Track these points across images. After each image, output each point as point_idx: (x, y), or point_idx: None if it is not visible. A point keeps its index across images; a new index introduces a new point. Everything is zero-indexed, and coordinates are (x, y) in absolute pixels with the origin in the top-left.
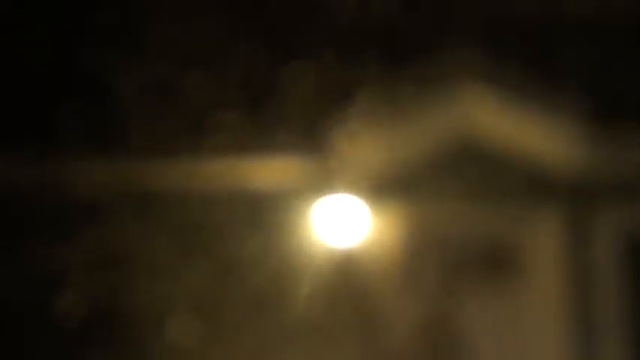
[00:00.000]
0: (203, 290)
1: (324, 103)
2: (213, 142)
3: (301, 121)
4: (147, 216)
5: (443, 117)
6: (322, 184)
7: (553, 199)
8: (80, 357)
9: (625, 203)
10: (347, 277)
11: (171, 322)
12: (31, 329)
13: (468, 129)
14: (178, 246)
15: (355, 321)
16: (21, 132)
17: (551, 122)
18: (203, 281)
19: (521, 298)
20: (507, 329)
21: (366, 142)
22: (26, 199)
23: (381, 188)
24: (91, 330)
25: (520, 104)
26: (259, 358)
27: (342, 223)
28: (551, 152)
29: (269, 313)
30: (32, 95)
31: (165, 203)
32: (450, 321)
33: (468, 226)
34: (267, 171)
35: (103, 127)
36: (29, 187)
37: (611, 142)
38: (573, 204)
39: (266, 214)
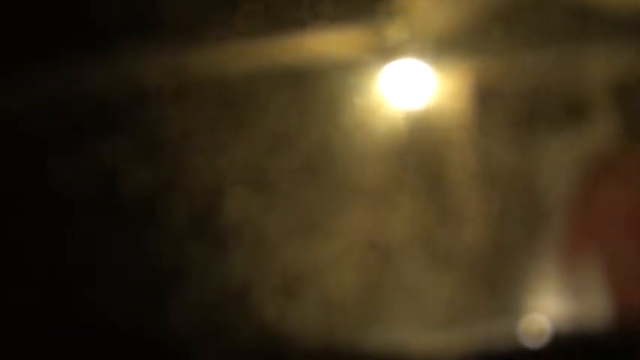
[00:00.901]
0: (263, 163)
1: None
2: (267, 17)
3: None
4: (196, 98)
5: None
6: (383, 51)
7: (619, 40)
8: (145, 238)
9: None
10: (416, 136)
11: (227, 197)
12: (96, 219)
13: None
14: (233, 124)
15: (424, 182)
16: (55, 38)
17: None
18: (263, 154)
19: (593, 141)
20: (577, 171)
21: (426, 2)
22: (72, 102)
23: (443, 47)
24: (152, 212)
25: None
26: (320, 224)
27: (407, 86)
28: None
29: (335, 177)
30: None
31: (219, 83)
32: (520, 171)
33: (535, 76)
34: (325, 42)
35: (134, 17)
36: (72, 90)
37: None
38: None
39: (325, 85)
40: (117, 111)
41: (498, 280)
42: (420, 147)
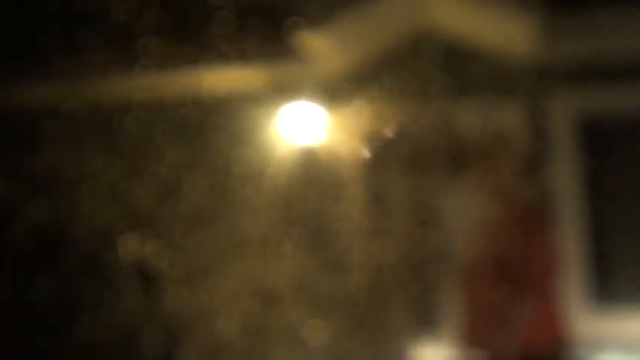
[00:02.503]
0: (157, 208)
1: (281, 13)
2: (183, 54)
3: (262, 31)
4: (91, 141)
5: (399, 13)
6: (284, 90)
7: (511, 88)
8: (36, 278)
9: (579, 86)
10: (305, 179)
11: (119, 241)
12: None
13: (425, 24)
14: (129, 166)
15: (309, 230)
16: None
17: (506, 13)
18: (156, 200)
19: (484, 185)
20: (469, 216)
21: (324, 47)
22: None
23: (339, 91)
24: (44, 252)
25: None
26: (208, 269)
27: (301, 127)
28: (507, 42)
29: (224, 224)
30: None
31: (136, 111)
32: (411, 215)
33: (424, 123)
34: (223, 80)
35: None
36: None
37: (564, 29)
38: (531, 90)
39: (220, 125)
40: (11, 151)
41: (376, 326)
42: (308, 191)
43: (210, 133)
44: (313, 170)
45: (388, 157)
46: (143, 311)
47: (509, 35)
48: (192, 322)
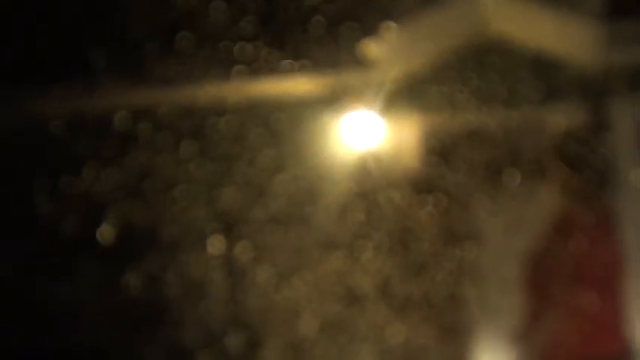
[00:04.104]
0: (240, 212)
1: (345, 21)
2: (244, 65)
3: (329, 38)
4: (177, 147)
5: (463, 21)
6: (347, 97)
7: (569, 97)
8: (124, 279)
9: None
10: (372, 187)
11: (205, 243)
12: (77, 256)
13: (488, 31)
14: (208, 174)
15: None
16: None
17: (566, 19)
18: (237, 204)
19: (539, 197)
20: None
21: (388, 54)
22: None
23: (397, 100)
24: (132, 254)
25: (536, 3)
26: (289, 270)
27: (360, 136)
28: (571, 48)
29: (304, 229)
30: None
31: (202, 120)
32: (460, 221)
33: (481, 130)
34: (293, 88)
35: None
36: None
37: (624, 37)
38: (590, 98)
39: (289, 127)
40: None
41: (451, 329)
42: (379, 196)
43: (285, 138)
44: (381, 176)
45: (452, 163)
46: (228, 310)
47: (572, 42)
48: (275, 321)
